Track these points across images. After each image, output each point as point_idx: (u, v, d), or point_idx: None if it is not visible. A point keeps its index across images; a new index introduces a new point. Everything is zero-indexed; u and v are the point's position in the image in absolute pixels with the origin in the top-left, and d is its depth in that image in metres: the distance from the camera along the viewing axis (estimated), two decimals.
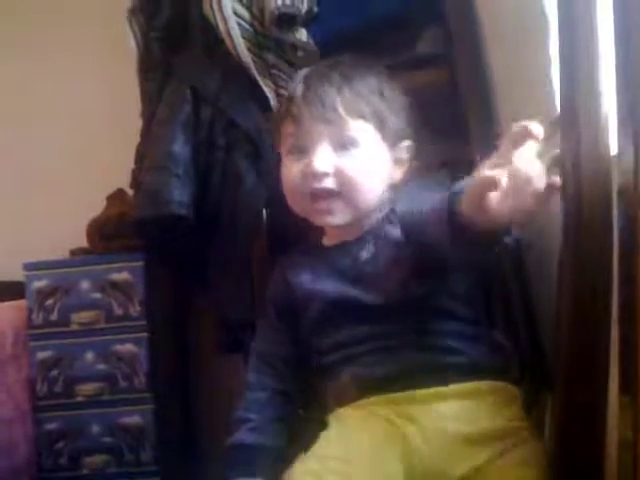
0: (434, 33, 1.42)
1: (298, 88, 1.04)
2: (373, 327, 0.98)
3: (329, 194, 1.01)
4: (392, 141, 1.04)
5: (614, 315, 0.60)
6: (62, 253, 1.95)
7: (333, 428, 0.97)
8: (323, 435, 0.96)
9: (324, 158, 1.00)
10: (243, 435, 1.03)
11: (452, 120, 1.31)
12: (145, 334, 1.79)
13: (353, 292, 1.01)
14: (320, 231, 1.13)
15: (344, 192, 1.01)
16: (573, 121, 0.62)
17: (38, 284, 1.82)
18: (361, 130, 1.01)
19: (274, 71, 1.40)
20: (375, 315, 0.98)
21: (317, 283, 1.05)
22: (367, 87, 1.03)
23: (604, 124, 0.61)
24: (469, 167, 1.35)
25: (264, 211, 1.34)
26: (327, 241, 1.11)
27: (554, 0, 0.73)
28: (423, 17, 1.40)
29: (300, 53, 1.38)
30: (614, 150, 0.62)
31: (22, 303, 1.84)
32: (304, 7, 1.37)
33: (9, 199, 2.30)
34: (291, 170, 1.04)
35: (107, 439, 1.77)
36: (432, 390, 0.94)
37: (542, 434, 0.93)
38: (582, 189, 0.61)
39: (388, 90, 1.05)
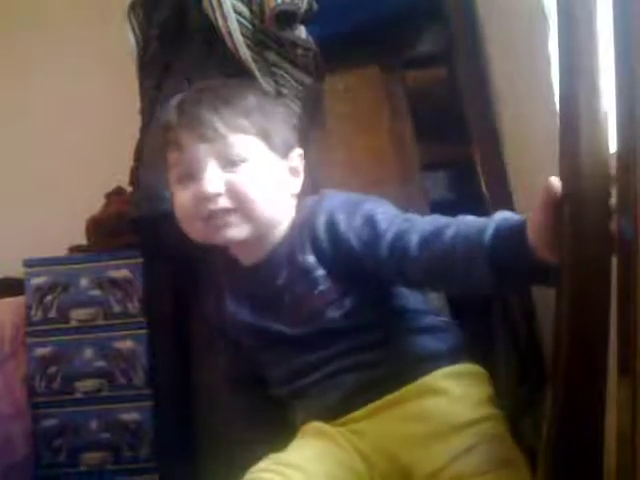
0: (434, 33, 1.42)
1: (172, 116, 0.99)
2: (305, 357, 0.99)
3: (225, 213, 0.96)
4: (282, 151, 1.01)
5: (613, 314, 0.61)
6: (61, 250, 1.95)
7: (297, 439, 1.00)
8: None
9: (213, 178, 0.95)
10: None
11: (452, 120, 1.31)
12: (144, 331, 1.79)
13: (273, 325, 1.01)
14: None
15: (240, 208, 0.96)
16: (573, 119, 0.63)
17: (37, 281, 1.82)
18: (246, 144, 0.97)
19: (274, 69, 1.39)
20: (303, 345, 0.99)
21: (238, 311, 1.05)
22: (244, 103, 0.99)
23: (603, 122, 0.62)
24: (469, 167, 1.35)
25: None
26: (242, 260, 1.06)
27: None
28: (423, 17, 1.41)
29: (300, 51, 1.38)
30: (613, 148, 0.62)
31: (21, 300, 1.84)
32: (304, 5, 1.37)
33: (9, 196, 2.30)
34: (183, 197, 0.98)
35: (106, 436, 1.77)
36: (382, 401, 0.96)
37: (541, 432, 0.93)
38: (581, 187, 0.61)
39: (267, 105, 1.02)
